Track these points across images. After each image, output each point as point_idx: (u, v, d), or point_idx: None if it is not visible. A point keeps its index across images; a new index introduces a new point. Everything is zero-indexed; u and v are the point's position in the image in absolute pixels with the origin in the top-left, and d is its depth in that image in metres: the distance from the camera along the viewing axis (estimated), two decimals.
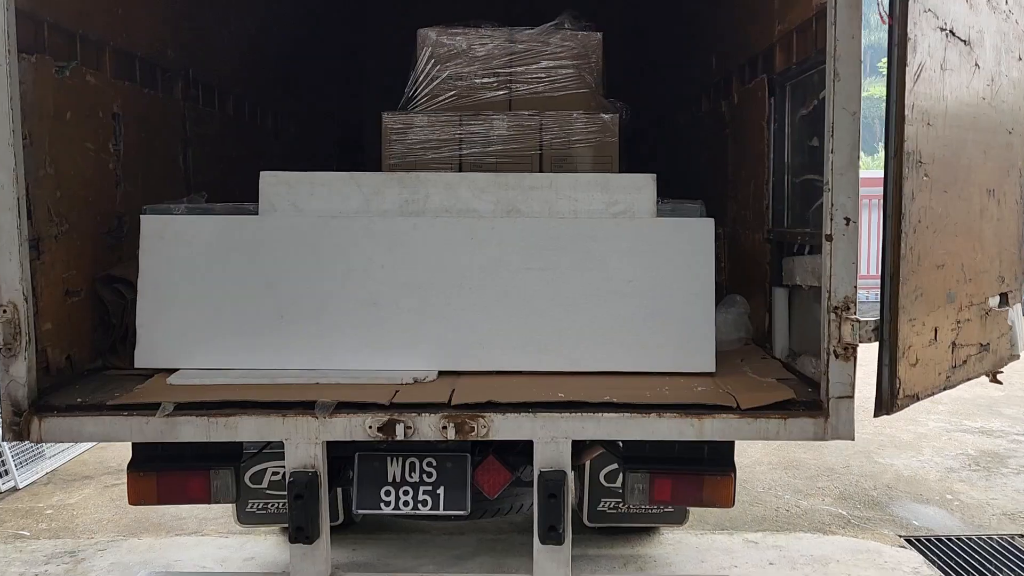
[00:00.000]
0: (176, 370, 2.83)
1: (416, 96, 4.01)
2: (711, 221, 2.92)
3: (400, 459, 2.75)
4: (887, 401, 2.54)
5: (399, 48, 4.06)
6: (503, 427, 2.53)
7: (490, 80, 3.97)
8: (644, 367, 2.87)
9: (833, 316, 2.50)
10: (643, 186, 2.95)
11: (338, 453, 2.75)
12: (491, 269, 2.90)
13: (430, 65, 3.98)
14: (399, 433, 2.49)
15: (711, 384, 2.75)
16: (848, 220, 2.48)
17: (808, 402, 2.58)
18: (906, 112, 2.41)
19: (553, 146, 3.76)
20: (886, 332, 2.50)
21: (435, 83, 3.97)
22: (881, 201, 2.49)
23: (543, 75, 3.96)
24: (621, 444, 2.86)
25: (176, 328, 2.86)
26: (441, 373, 2.89)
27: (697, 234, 2.90)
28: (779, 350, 3.14)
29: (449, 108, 3.88)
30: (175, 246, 2.89)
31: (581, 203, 2.95)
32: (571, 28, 3.98)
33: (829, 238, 2.49)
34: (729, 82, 3.84)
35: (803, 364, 2.89)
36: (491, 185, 2.97)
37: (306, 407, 2.55)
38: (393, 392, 2.65)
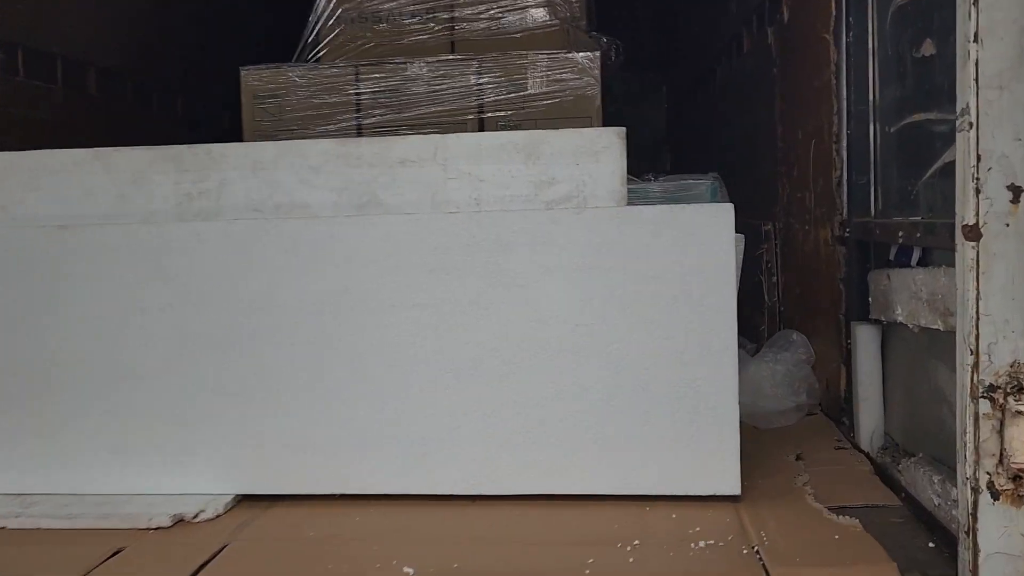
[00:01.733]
0: None
1: (317, 46, 2.76)
2: (729, 210, 1.56)
3: None
4: None
5: None
6: None
7: (422, 19, 2.69)
8: (604, 487, 1.55)
9: (986, 406, 1.13)
10: (601, 149, 1.62)
11: None
12: (331, 310, 1.61)
13: (335, 2, 2.72)
14: None
15: (729, 530, 1.40)
16: (1018, 190, 1.10)
17: None
18: None
19: (500, 105, 2.45)
20: None
21: (343, 26, 2.72)
22: None
23: (497, 5, 2.66)
24: None
25: None
26: (245, 498, 1.63)
27: (703, 235, 1.55)
28: (866, 436, 1.76)
29: (363, 60, 2.62)
30: None
31: (489, 184, 1.63)
32: None
33: (972, 233, 1.11)
34: None
35: (915, 478, 1.50)
36: (330, 160, 1.67)
37: None
38: (102, 557, 1.38)
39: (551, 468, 1.56)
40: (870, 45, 1.75)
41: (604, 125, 2.41)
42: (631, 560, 1.28)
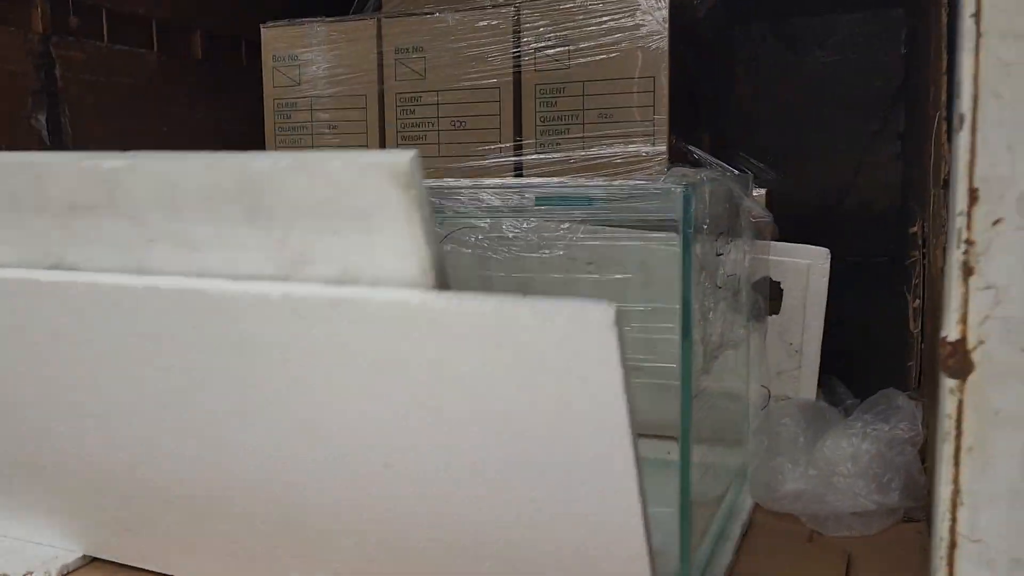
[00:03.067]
0: None
1: None
2: (607, 311, 0.82)
3: None
4: None
5: None
6: None
7: None
8: None
9: None
10: (371, 207, 0.58)
11: None
12: None
13: None
14: None
15: None
16: None
17: None
18: None
19: (538, 63, 1.91)
20: None
21: None
22: None
23: None
24: None
25: None
26: (95, 561, 1.33)
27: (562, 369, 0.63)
28: None
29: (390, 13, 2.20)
30: None
31: (213, 259, 0.66)
32: None
33: (954, 362, 0.49)
34: None
35: None
36: None
37: None
38: None
39: None
40: None
41: (672, 87, 1.81)
42: None
